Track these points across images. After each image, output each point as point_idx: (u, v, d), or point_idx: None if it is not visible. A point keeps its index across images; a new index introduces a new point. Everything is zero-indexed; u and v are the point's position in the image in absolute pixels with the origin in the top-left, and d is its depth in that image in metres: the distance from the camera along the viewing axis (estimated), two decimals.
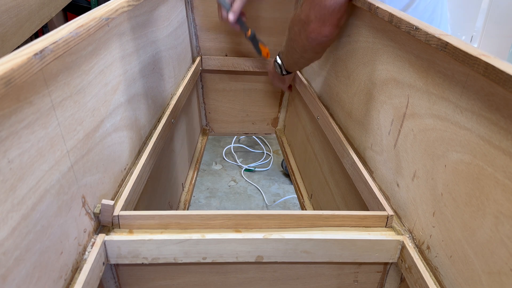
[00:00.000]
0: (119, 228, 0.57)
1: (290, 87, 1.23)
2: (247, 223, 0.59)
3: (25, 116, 0.39)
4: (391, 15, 0.63)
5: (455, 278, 0.50)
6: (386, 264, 0.63)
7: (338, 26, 0.81)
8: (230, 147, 2.31)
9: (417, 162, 0.58)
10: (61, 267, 0.46)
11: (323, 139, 1.01)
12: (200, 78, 1.37)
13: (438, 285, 0.52)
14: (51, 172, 0.44)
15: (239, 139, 2.39)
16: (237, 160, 2.22)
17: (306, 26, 0.81)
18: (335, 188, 0.92)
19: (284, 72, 1.06)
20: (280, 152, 2.11)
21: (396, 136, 0.65)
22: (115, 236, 0.55)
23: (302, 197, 1.19)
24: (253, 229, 0.59)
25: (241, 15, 1.10)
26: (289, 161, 1.36)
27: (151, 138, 0.79)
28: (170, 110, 0.92)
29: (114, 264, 0.59)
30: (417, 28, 0.56)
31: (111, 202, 0.56)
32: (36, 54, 0.37)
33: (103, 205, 0.55)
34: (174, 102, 0.97)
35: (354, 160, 0.75)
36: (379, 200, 0.64)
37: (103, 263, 0.54)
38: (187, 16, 1.21)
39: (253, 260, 0.59)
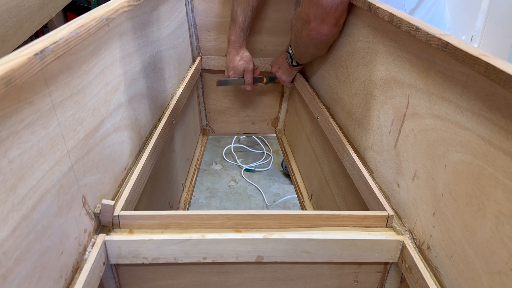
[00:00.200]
0: (120, 228, 0.57)
1: (292, 81, 1.25)
2: (247, 223, 0.59)
3: (25, 116, 0.39)
4: (392, 15, 0.63)
5: (456, 278, 0.50)
6: (386, 264, 0.63)
7: (337, 25, 0.81)
8: (230, 147, 2.31)
9: (418, 162, 0.58)
10: (62, 267, 0.46)
11: (323, 139, 1.01)
12: (200, 78, 1.37)
13: (438, 285, 0.52)
14: (51, 172, 0.43)
15: (239, 139, 2.39)
16: (237, 160, 2.22)
17: (306, 24, 0.82)
18: (335, 188, 0.92)
19: (294, 63, 1.08)
20: (280, 152, 2.11)
21: (396, 136, 0.65)
22: (116, 236, 0.55)
23: (302, 197, 1.19)
24: (253, 229, 0.59)
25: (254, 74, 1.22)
26: (289, 161, 1.36)
27: (151, 138, 0.79)
28: (170, 110, 0.92)
29: (114, 264, 0.59)
30: (417, 28, 0.56)
31: (112, 202, 0.56)
32: (36, 54, 0.37)
33: (103, 205, 0.55)
34: (174, 102, 0.97)
35: (354, 160, 0.75)
36: (379, 200, 0.64)
37: (104, 263, 0.54)
38: (187, 16, 1.21)
39: (253, 260, 0.59)
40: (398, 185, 0.64)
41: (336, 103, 0.94)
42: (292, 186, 1.43)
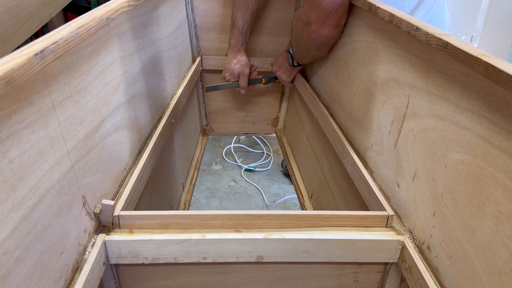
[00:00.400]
0: (120, 228, 0.57)
1: (292, 81, 1.25)
2: (247, 223, 0.59)
3: (25, 116, 0.39)
4: (392, 15, 0.63)
5: (456, 278, 0.50)
6: (386, 264, 0.63)
7: (338, 27, 0.81)
8: (230, 147, 2.31)
9: (418, 162, 0.58)
10: (62, 267, 0.46)
11: (323, 139, 1.01)
12: (200, 78, 1.37)
13: (438, 285, 0.52)
14: (51, 172, 0.43)
15: (239, 139, 2.39)
16: (237, 160, 2.22)
17: (307, 26, 0.82)
18: (335, 188, 0.92)
19: (295, 64, 1.09)
20: (280, 152, 2.11)
21: (396, 136, 0.65)
22: (116, 236, 0.55)
23: (302, 197, 1.19)
24: (253, 229, 0.59)
25: (251, 76, 1.22)
26: (289, 161, 1.36)
27: (151, 138, 0.79)
28: (170, 110, 0.92)
29: (114, 264, 0.59)
30: (417, 28, 0.56)
31: (112, 202, 0.56)
32: (36, 54, 0.37)
33: (103, 205, 0.55)
34: (174, 102, 0.97)
35: (354, 160, 0.75)
36: (379, 200, 0.64)
37: (104, 263, 0.54)
38: (187, 16, 1.21)
39: (254, 260, 0.59)
40: (398, 185, 0.64)
41: (336, 103, 0.94)
42: (292, 186, 1.43)
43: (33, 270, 0.40)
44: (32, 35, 1.24)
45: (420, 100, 0.58)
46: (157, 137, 0.79)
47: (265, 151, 2.30)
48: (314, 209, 1.11)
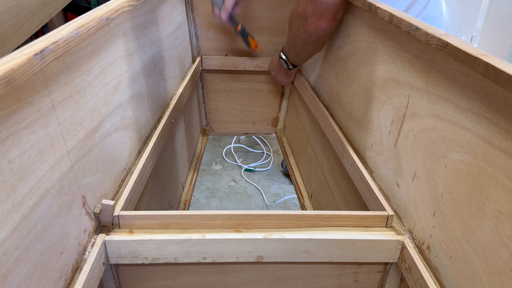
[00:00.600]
0: (119, 228, 0.57)
1: (292, 81, 1.24)
2: (247, 223, 0.59)
3: (25, 116, 0.39)
4: (391, 15, 0.63)
5: (455, 278, 0.50)
6: (386, 264, 0.63)
7: (335, 20, 0.81)
8: (230, 147, 2.31)
9: (417, 162, 0.58)
10: (61, 267, 0.46)
11: (323, 139, 1.01)
12: (200, 78, 1.37)
13: (438, 285, 0.52)
14: (51, 172, 0.44)
15: (239, 139, 2.39)
16: (237, 160, 2.22)
17: (304, 20, 0.82)
18: (335, 188, 0.92)
19: (290, 67, 1.08)
20: (280, 152, 2.11)
21: (396, 136, 0.65)
22: (115, 236, 0.55)
23: (302, 197, 1.19)
24: (253, 229, 0.59)
25: (233, 12, 1.10)
26: (289, 161, 1.36)
27: (151, 138, 0.79)
28: (170, 110, 0.92)
29: (114, 264, 0.59)
30: (417, 28, 0.56)
31: (111, 202, 0.56)
32: (36, 54, 0.37)
33: (103, 205, 0.55)
34: (174, 102, 0.97)
35: (354, 160, 0.75)
36: (379, 200, 0.64)
37: (103, 263, 0.54)
38: (187, 16, 1.21)
39: (254, 260, 0.59)
40: (398, 185, 0.64)
41: (336, 103, 0.94)
42: (292, 186, 1.43)
43: (33, 270, 0.40)
44: (32, 35, 1.24)
45: (420, 100, 0.58)
46: (157, 137, 0.79)
47: (265, 151, 2.30)
48: (314, 209, 1.11)
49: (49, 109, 0.43)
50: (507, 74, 0.39)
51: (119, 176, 0.65)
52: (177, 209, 1.09)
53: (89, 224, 0.54)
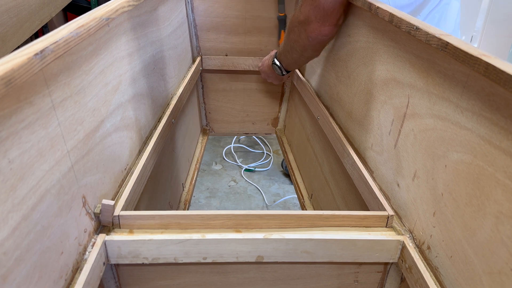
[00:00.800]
0: (120, 228, 0.57)
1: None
2: (248, 223, 0.59)
3: (25, 116, 0.39)
4: (392, 15, 0.63)
5: (456, 278, 0.50)
6: (386, 264, 0.63)
7: (337, 25, 0.82)
8: (230, 147, 2.31)
9: (418, 162, 0.58)
10: (62, 267, 0.46)
11: (323, 139, 1.01)
12: (200, 78, 1.37)
13: (438, 285, 0.52)
14: (51, 172, 0.43)
15: (239, 139, 2.39)
16: (237, 160, 2.22)
17: (306, 26, 0.83)
18: (335, 188, 0.92)
19: (284, 73, 1.09)
20: (280, 152, 2.11)
21: (396, 136, 0.65)
22: (116, 236, 0.55)
23: (302, 197, 1.19)
24: (253, 229, 0.59)
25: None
26: (289, 161, 1.35)
27: (151, 138, 0.79)
28: (170, 110, 0.92)
29: (114, 264, 0.58)
30: (417, 28, 0.56)
31: (112, 202, 0.56)
32: (36, 54, 0.37)
33: (103, 205, 0.55)
34: (175, 102, 0.97)
35: (354, 160, 0.75)
36: (379, 200, 0.64)
37: (104, 263, 0.54)
38: (187, 16, 1.21)
39: (254, 260, 0.59)
40: (398, 185, 0.64)
41: (336, 103, 0.94)
42: (292, 186, 1.43)
43: (33, 270, 0.40)
44: (32, 35, 1.24)
45: (420, 100, 0.58)
46: (157, 137, 0.79)
47: (265, 151, 2.29)
48: (314, 209, 1.11)
49: (49, 109, 0.43)
50: (508, 74, 0.39)
51: (119, 176, 0.65)
52: (177, 209, 1.09)
53: (89, 224, 0.54)
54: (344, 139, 0.83)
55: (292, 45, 0.92)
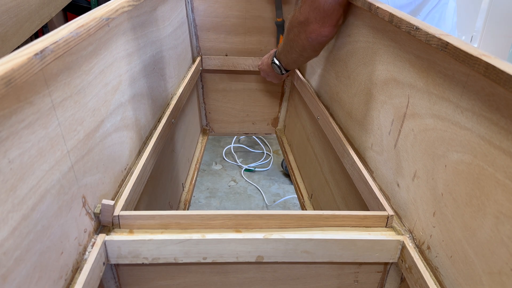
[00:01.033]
0: (120, 228, 0.57)
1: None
2: (248, 223, 0.59)
3: (25, 116, 0.39)
4: (392, 15, 0.63)
5: (456, 278, 0.50)
6: (386, 264, 0.63)
7: (337, 26, 0.82)
8: (230, 147, 2.31)
9: (418, 162, 0.58)
10: (62, 267, 0.46)
11: (323, 139, 1.01)
12: (200, 78, 1.37)
13: (438, 285, 0.52)
14: (51, 172, 0.43)
15: (239, 139, 2.39)
16: (237, 160, 2.22)
17: (305, 27, 0.83)
18: (335, 188, 0.92)
19: (283, 72, 1.09)
20: (280, 152, 2.11)
21: (396, 136, 0.65)
22: (116, 236, 0.55)
23: (302, 197, 1.18)
24: (253, 229, 0.59)
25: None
26: (289, 161, 1.35)
27: (151, 138, 0.79)
28: (170, 110, 0.92)
29: (114, 264, 0.58)
30: (417, 28, 0.56)
31: (112, 202, 0.56)
32: (36, 54, 0.37)
33: (103, 205, 0.55)
34: (175, 102, 0.97)
35: (354, 160, 0.75)
36: (379, 200, 0.64)
37: (104, 263, 0.54)
38: (187, 16, 1.21)
39: (254, 260, 0.59)
40: (398, 185, 0.64)
41: (336, 103, 0.94)
42: (292, 186, 1.43)
43: (33, 270, 0.40)
44: (32, 35, 1.24)
45: (420, 100, 0.58)
46: (157, 137, 0.79)
47: (265, 151, 2.29)
48: (314, 209, 1.11)
49: (49, 109, 0.43)
50: (508, 74, 0.39)
51: (119, 176, 0.65)
52: (177, 209, 1.09)
53: (89, 224, 0.54)
54: (344, 139, 0.83)
55: (291, 45, 0.92)
